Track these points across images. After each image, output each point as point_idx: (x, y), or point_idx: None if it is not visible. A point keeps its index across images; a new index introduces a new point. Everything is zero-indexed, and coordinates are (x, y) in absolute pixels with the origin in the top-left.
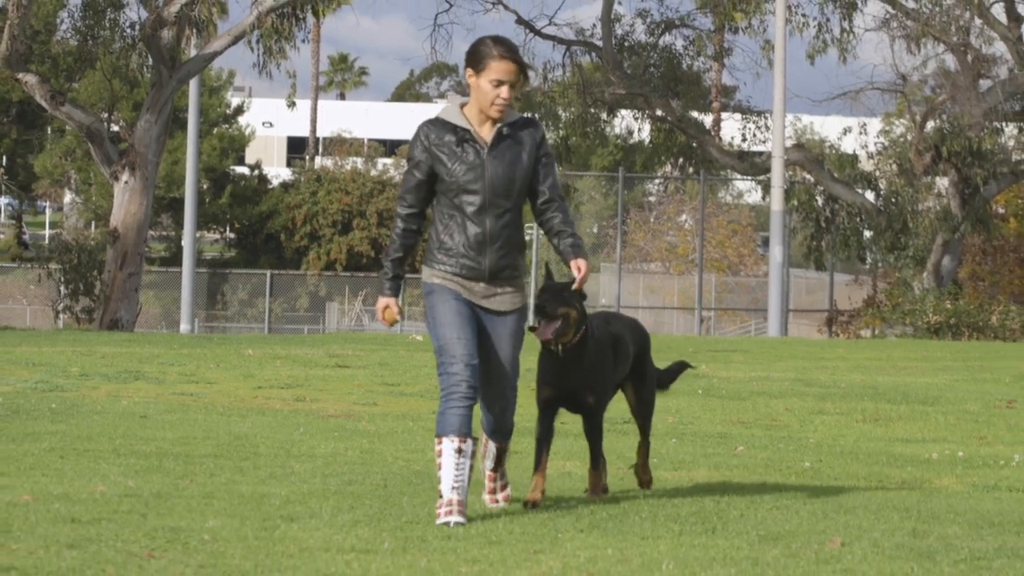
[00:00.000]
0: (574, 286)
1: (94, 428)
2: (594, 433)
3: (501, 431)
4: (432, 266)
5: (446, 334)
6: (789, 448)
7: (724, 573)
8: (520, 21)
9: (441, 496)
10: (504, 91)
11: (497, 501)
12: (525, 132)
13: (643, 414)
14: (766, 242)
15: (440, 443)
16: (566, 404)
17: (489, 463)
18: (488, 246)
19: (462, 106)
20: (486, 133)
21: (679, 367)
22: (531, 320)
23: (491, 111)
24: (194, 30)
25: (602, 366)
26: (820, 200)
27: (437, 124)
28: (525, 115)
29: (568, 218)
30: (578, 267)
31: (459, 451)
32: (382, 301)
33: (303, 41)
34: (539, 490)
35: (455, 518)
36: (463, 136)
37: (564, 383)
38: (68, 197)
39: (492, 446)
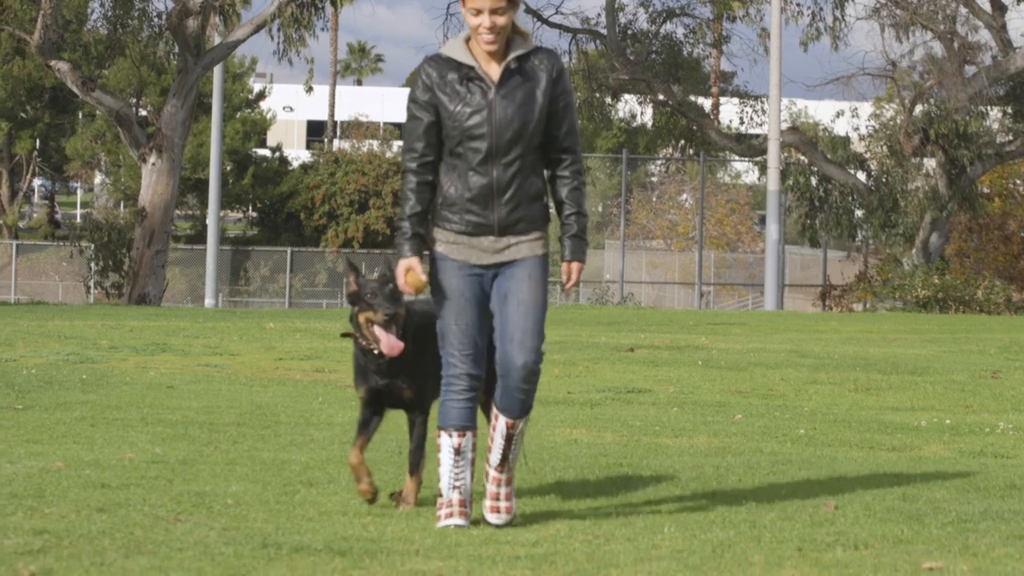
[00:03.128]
0: (566, 287)
1: (123, 398)
2: (418, 434)
3: (515, 405)
4: (439, 224)
5: (445, 318)
6: (785, 416)
7: (723, 535)
8: (528, 10)
9: (441, 495)
10: (486, 20)
11: (499, 511)
12: (539, 65)
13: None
14: (763, 220)
15: (439, 436)
16: (389, 401)
17: (495, 455)
18: (495, 199)
19: (467, 40)
20: (494, 70)
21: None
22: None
23: (482, 46)
24: (218, 19)
25: (424, 358)
26: (814, 180)
27: (439, 61)
28: (539, 45)
29: (579, 182)
30: (568, 273)
31: (457, 451)
32: (403, 264)
33: (322, 30)
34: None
35: (456, 520)
36: (467, 74)
37: (383, 379)
38: (98, 178)
39: (500, 427)
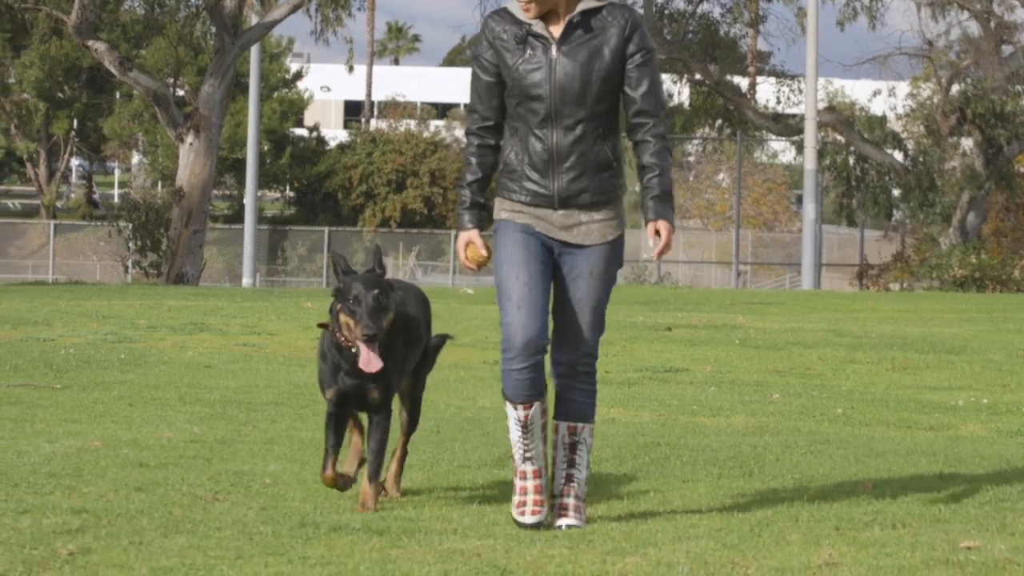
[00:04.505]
0: (652, 255)
1: (161, 377)
2: (382, 434)
3: (570, 408)
4: (500, 195)
5: (503, 273)
6: (822, 395)
7: (761, 514)
8: None
9: (515, 467)
10: None
11: (566, 514)
12: (611, 21)
13: (415, 398)
14: (799, 200)
15: (506, 406)
16: (353, 403)
17: (559, 470)
18: (555, 166)
19: None
20: (556, 26)
21: (440, 340)
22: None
23: (521, 8)
24: None
25: (393, 355)
26: (851, 160)
27: (503, 15)
28: (612, 0)
29: (663, 147)
30: (655, 231)
31: (525, 426)
32: (463, 237)
33: (359, 9)
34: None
35: (528, 519)
36: (529, 29)
37: (351, 379)
38: (136, 158)
39: (561, 433)
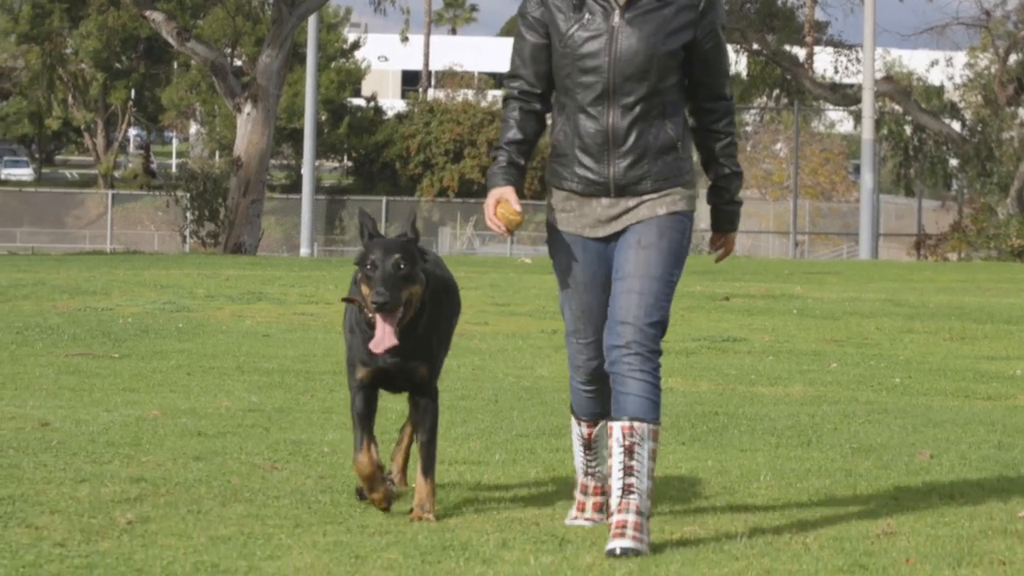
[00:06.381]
0: (718, 259)
1: (219, 347)
2: (432, 421)
3: (624, 402)
4: (552, 182)
5: (561, 297)
6: (880, 365)
7: (819, 484)
8: None
9: (576, 479)
10: None
11: (623, 534)
12: None
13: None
14: (857, 169)
15: (571, 421)
16: (394, 384)
17: (616, 477)
18: (611, 150)
19: None
20: None
21: None
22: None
23: None
24: None
25: (436, 326)
26: (908, 129)
27: None
28: None
29: (730, 143)
30: (719, 245)
31: (588, 445)
32: (493, 194)
33: None
34: (377, 488)
35: (588, 515)
36: None
37: (391, 359)
38: (193, 128)
39: (615, 435)
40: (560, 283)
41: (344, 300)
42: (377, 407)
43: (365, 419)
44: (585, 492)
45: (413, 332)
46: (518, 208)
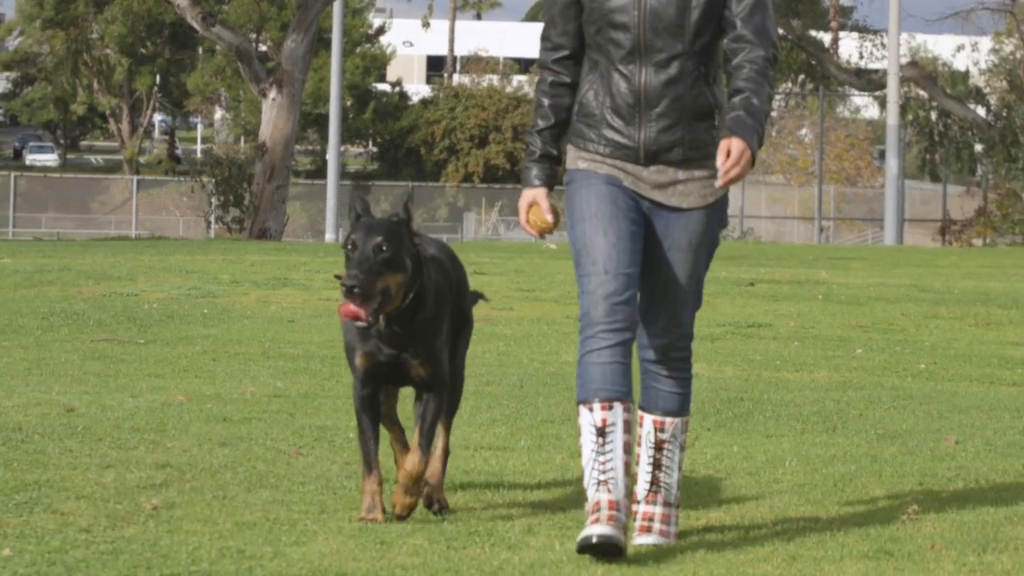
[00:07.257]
0: (718, 183)
1: (244, 332)
2: (437, 404)
3: (655, 397)
4: (575, 143)
5: (585, 231)
6: (905, 351)
7: (844, 469)
8: None
9: (586, 498)
10: None
11: (650, 527)
12: None
13: (454, 370)
14: (882, 155)
15: (578, 412)
16: (395, 379)
17: (645, 453)
18: (643, 111)
19: None
20: None
21: (474, 299)
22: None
23: None
24: None
25: (437, 316)
26: (934, 115)
27: None
28: None
29: (759, 71)
30: (724, 151)
31: (600, 431)
32: (526, 196)
33: None
34: (374, 504)
35: (600, 529)
36: None
37: (388, 350)
38: (218, 113)
39: (646, 428)
40: (590, 214)
41: (336, 277)
42: (380, 407)
43: (371, 430)
44: (597, 509)
45: (407, 323)
46: (550, 218)
